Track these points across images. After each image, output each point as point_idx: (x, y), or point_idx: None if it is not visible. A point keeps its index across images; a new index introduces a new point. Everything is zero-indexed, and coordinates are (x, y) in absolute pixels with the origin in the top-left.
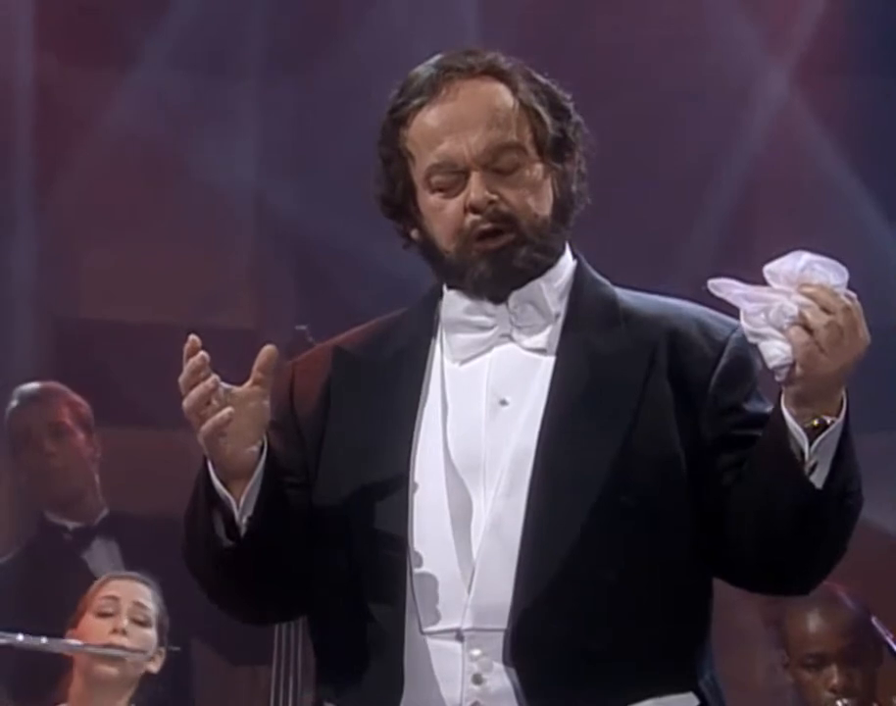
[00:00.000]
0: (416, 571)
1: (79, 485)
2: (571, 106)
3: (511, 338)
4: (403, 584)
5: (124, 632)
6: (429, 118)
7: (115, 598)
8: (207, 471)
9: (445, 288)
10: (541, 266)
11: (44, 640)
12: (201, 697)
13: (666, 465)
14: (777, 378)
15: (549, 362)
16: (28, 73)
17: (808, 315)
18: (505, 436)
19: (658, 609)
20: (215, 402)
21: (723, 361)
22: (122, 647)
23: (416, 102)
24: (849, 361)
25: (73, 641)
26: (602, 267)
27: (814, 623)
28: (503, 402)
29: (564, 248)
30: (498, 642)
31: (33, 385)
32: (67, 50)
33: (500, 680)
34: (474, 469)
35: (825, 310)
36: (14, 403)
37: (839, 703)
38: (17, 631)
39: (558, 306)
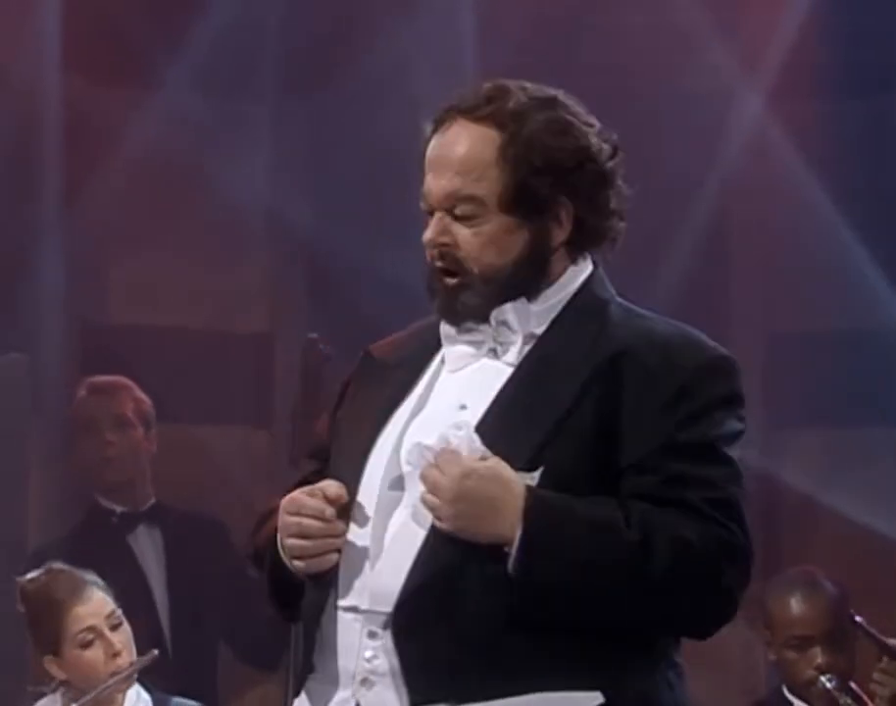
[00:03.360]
0: (345, 549)
1: (131, 475)
2: (581, 158)
3: (495, 353)
4: (337, 561)
5: (118, 653)
6: (429, 149)
7: (91, 627)
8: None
9: None
10: (482, 312)
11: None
12: (224, 682)
13: (573, 479)
14: None
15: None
16: (57, 92)
17: None
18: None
19: None
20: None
21: (668, 393)
22: (136, 663)
23: (430, 129)
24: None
25: (102, 687)
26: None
27: (797, 606)
28: (463, 407)
29: (538, 282)
30: (388, 623)
31: (103, 378)
32: (93, 72)
33: (388, 659)
34: (416, 462)
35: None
36: (82, 393)
37: (823, 679)
38: None
39: (540, 326)
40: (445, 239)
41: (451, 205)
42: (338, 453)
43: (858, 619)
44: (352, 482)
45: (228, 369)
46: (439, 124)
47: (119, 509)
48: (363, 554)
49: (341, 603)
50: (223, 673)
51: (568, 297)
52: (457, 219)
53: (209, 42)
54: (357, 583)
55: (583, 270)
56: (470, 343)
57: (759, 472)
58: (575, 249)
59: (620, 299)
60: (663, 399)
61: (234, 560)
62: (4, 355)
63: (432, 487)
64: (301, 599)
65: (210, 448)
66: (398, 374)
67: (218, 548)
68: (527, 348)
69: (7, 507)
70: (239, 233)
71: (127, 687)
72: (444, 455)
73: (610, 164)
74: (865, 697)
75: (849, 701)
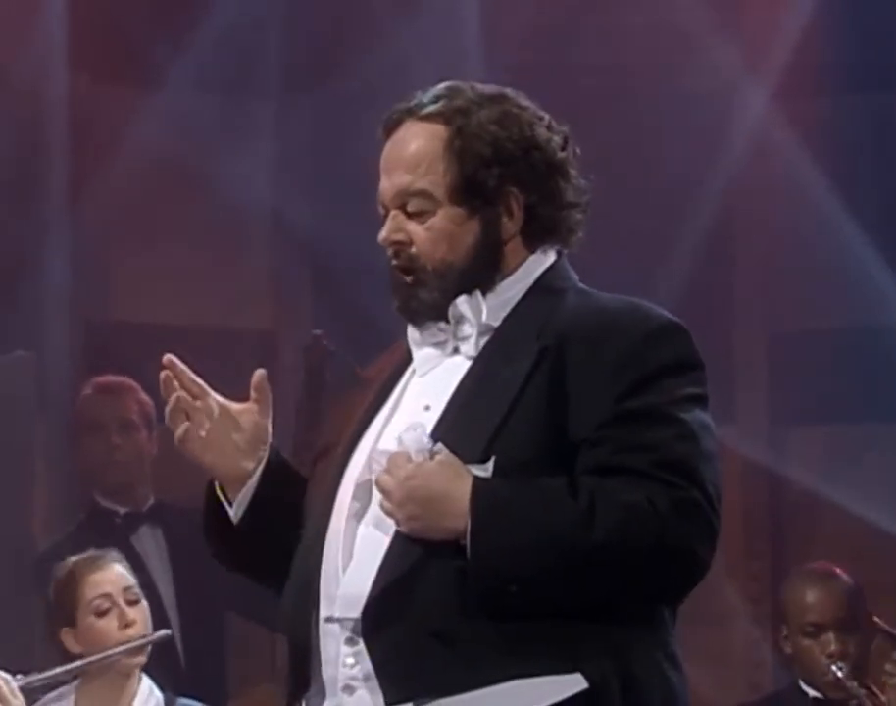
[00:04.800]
0: (322, 560)
1: (134, 478)
2: (528, 147)
3: (457, 351)
4: (316, 573)
5: (131, 623)
6: (382, 153)
7: (107, 594)
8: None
9: None
10: (438, 308)
11: (79, 662)
12: (231, 680)
13: (527, 465)
14: None
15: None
16: (62, 92)
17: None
18: None
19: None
20: (194, 416)
21: (613, 364)
22: (146, 636)
23: (383, 134)
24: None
25: (109, 651)
26: (595, 269)
27: (812, 594)
28: (427, 408)
29: (492, 274)
30: (359, 627)
31: (109, 378)
32: (98, 71)
33: (365, 663)
34: (373, 469)
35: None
36: (88, 392)
37: (835, 668)
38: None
39: (496, 318)
40: (399, 237)
41: (403, 202)
42: (321, 470)
43: (874, 618)
44: (330, 496)
45: (232, 367)
46: (389, 127)
47: (121, 510)
48: (336, 564)
49: (322, 614)
50: (229, 671)
51: (525, 288)
52: (410, 216)
53: (212, 42)
54: (332, 593)
55: (543, 261)
56: (434, 345)
57: (763, 468)
58: (531, 240)
59: (581, 286)
60: (608, 371)
61: None
62: (9, 353)
63: (383, 492)
64: (234, 538)
65: None
66: (377, 387)
67: None
68: (484, 341)
69: (12, 505)
70: (243, 232)
71: (138, 663)
72: (393, 459)
73: (560, 154)
74: (876, 689)
75: (860, 690)
